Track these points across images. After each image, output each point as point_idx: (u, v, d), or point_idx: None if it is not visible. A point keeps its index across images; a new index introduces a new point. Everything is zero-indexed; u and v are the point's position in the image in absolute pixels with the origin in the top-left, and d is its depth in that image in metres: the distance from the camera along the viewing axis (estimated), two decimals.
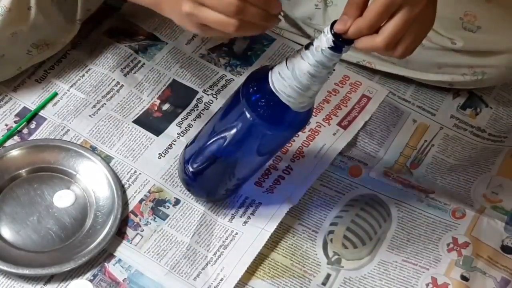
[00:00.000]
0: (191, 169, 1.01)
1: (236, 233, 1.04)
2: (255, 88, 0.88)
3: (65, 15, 1.12)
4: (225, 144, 0.94)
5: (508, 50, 1.13)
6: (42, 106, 1.12)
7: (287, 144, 1.12)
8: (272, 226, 1.04)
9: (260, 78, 0.88)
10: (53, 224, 1.02)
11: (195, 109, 1.15)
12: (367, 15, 0.79)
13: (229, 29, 0.81)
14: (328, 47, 0.81)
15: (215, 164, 0.99)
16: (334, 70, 0.85)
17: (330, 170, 1.12)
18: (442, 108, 1.21)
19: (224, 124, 0.94)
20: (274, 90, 0.86)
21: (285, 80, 0.85)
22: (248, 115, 0.89)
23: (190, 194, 1.07)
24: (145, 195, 1.06)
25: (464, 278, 1.03)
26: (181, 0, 0.82)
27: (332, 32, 0.80)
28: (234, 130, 0.93)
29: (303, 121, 0.91)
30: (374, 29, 0.80)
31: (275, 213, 1.05)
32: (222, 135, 0.94)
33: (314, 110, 1.16)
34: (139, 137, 1.11)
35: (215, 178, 1.02)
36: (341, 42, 0.81)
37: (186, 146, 1.04)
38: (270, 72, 0.87)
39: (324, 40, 0.81)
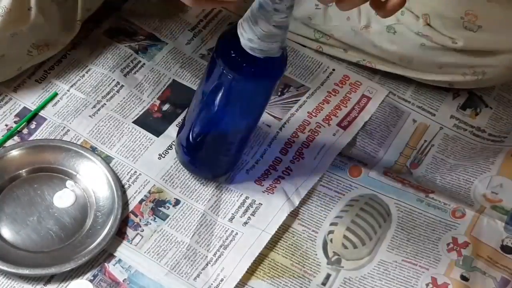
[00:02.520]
0: (190, 150, 1.02)
1: (236, 233, 1.04)
2: (227, 46, 0.90)
3: (65, 15, 1.12)
4: (213, 110, 0.96)
5: (509, 50, 1.13)
6: (42, 106, 1.12)
7: (287, 145, 1.13)
8: (272, 229, 1.04)
9: (230, 36, 0.89)
10: (53, 224, 1.02)
11: None
12: None
13: None
14: None
15: (209, 137, 1.01)
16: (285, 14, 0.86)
17: (330, 170, 1.12)
18: (442, 108, 1.21)
19: (207, 92, 0.96)
20: (241, 43, 0.88)
21: (245, 32, 0.87)
22: (226, 73, 0.90)
23: (190, 195, 1.07)
24: (145, 196, 1.06)
25: (464, 278, 1.03)
26: None
27: None
28: (217, 94, 0.94)
29: (278, 68, 0.92)
30: None
31: (275, 215, 1.05)
32: (208, 103, 0.96)
33: (314, 110, 1.17)
34: (139, 137, 1.11)
35: (214, 152, 1.03)
36: None
37: (177, 134, 1.06)
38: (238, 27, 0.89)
39: None
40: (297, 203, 1.07)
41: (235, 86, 0.92)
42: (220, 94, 0.94)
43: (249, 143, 1.08)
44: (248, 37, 0.87)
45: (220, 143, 1.03)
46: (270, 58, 0.89)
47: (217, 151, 1.04)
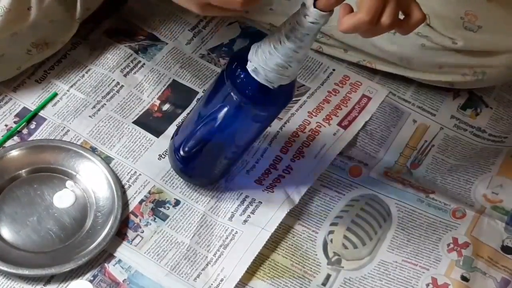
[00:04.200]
0: (182, 156, 1.02)
1: (236, 232, 1.04)
2: (238, 69, 0.88)
3: (65, 14, 1.12)
4: (212, 127, 0.95)
5: (509, 50, 1.12)
6: (42, 107, 1.12)
7: (288, 144, 1.13)
8: (272, 226, 1.04)
9: (242, 59, 0.88)
10: (53, 225, 1.01)
11: None
12: None
13: (235, 4, 0.80)
14: (306, 15, 0.81)
15: (205, 148, 1.00)
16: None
17: (330, 170, 1.12)
18: (442, 108, 1.21)
19: (210, 108, 0.95)
20: (252, 71, 0.87)
21: (261, 60, 0.86)
22: (233, 96, 0.89)
23: (190, 195, 1.07)
24: (145, 196, 1.06)
25: (464, 278, 1.03)
26: None
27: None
28: (220, 112, 0.93)
29: (287, 97, 0.91)
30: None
31: (275, 213, 1.05)
32: (209, 119, 0.95)
33: (314, 110, 1.17)
34: (139, 138, 1.11)
35: (207, 161, 1.03)
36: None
37: (172, 137, 1.05)
38: (253, 46, 0.87)
39: (301, 14, 0.81)
40: (297, 201, 1.07)
41: (239, 109, 0.91)
42: (222, 113, 0.93)
43: (245, 155, 1.07)
44: (260, 66, 0.86)
45: (215, 156, 1.02)
46: (278, 86, 0.88)
47: (211, 163, 1.03)
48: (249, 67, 0.87)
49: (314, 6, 0.80)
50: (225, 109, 0.93)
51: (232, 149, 1.01)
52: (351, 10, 0.80)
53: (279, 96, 0.90)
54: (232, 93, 0.89)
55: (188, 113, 1.02)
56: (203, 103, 0.97)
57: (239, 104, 0.90)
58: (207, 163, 1.03)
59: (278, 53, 0.84)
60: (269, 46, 0.85)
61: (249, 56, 0.87)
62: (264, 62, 0.85)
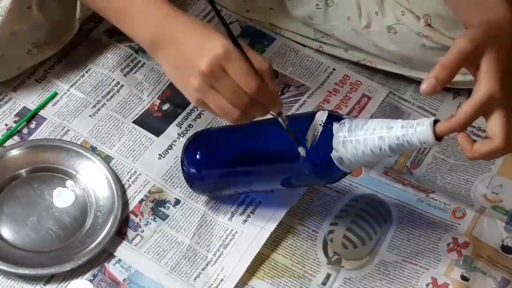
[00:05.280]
0: (198, 169, 1.02)
1: (236, 232, 1.04)
2: (320, 153, 0.89)
3: (65, 14, 1.13)
4: (251, 169, 0.97)
5: None
6: (42, 106, 1.12)
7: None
8: (272, 225, 1.04)
9: (328, 127, 0.89)
10: (53, 224, 1.02)
11: (195, 109, 1.15)
12: (459, 116, 0.81)
13: (231, 118, 0.83)
14: (421, 141, 0.83)
15: (227, 179, 1.01)
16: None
17: None
18: (442, 108, 1.21)
19: (263, 152, 0.95)
20: (336, 160, 0.88)
21: (350, 154, 0.87)
22: (302, 167, 0.90)
23: (190, 195, 1.07)
24: (145, 196, 1.06)
25: (464, 278, 1.03)
26: (196, 69, 0.80)
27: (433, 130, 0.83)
28: (273, 165, 0.95)
29: (346, 174, 0.93)
30: (465, 128, 0.82)
31: (275, 212, 1.05)
32: (254, 160, 0.96)
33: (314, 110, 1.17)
34: (139, 137, 1.11)
35: (219, 186, 1.03)
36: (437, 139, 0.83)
37: (196, 140, 1.03)
38: (337, 130, 0.88)
39: (415, 135, 0.83)
40: (297, 200, 1.07)
41: (296, 175, 0.93)
42: (274, 166, 0.95)
43: None
44: (347, 158, 0.88)
45: (230, 187, 1.03)
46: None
47: (222, 188, 1.04)
48: (334, 156, 0.88)
49: (434, 135, 0.82)
50: (280, 165, 0.94)
51: (248, 190, 1.03)
52: (470, 138, 0.82)
53: (342, 174, 0.92)
54: (301, 163, 0.90)
55: (229, 130, 1.02)
56: (256, 139, 0.98)
57: (301, 172, 0.92)
58: (218, 186, 1.04)
59: (373, 155, 0.87)
60: (364, 147, 0.86)
61: (335, 144, 0.88)
62: (353, 157, 0.87)
